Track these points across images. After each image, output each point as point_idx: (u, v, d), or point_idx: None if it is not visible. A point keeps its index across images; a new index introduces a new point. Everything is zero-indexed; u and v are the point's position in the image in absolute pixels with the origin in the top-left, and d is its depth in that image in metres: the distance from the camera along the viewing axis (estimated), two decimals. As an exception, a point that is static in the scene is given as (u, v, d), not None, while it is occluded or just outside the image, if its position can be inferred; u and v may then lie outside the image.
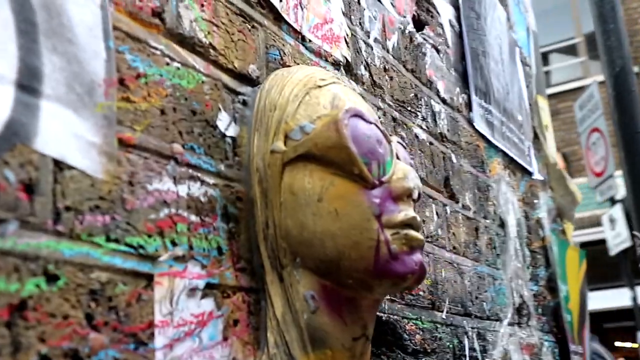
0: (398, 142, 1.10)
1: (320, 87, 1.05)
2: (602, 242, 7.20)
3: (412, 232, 0.99)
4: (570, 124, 9.78)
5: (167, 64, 0.91)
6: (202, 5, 1.00)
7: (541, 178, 2.60)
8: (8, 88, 0.69)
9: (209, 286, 0.91)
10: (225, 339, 0.92)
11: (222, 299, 0.93)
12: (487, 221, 1.95)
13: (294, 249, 0.98)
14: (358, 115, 1.00)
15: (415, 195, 1.02)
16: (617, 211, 6.55)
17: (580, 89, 9.22)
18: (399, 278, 0.98)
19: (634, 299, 6.57)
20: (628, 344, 9.39)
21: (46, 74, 0.74)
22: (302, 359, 0.97)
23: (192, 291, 0.88)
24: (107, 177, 0.79)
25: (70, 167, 0.74)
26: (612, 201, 6.73)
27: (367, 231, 0.96)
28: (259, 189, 1.00)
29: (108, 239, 0.77)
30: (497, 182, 2.08)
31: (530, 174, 2.47)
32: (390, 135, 1.17)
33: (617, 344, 9.65)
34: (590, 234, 8.87)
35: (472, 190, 1.89)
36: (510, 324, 1.97)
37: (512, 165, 2.29)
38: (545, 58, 11.00)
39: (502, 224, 2.07)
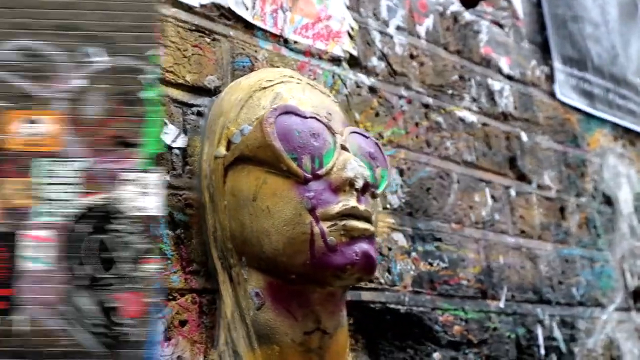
0: (355, 132, 1.08)
1: (264, 88, 1.07)
2: None
3: (352, 222, 0.97)
4: None
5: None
6: (145, 29, 1.07)
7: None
8: None
9: (147, 290, 0.97)
10: (167, 339, 0.98)
11: (164, 302, 0.99)
12: (582, 199, 1.79)
13: (239, 249, 1.01)
14: (290, 112, 1.01)
15: (359, 184, 0.99)
16: None
17: None
18: (338, 269, 0.97)
19: None
20: None
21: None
22: (248, 355, 0.99)
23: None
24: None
25: None
26: None
27: (300, 225, 0.97)
28: (207, 194, 1.05)
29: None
30: (600, 155, 1.91)
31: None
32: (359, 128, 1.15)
33: None
34: None
35: (557, 168, 1.75)
36: (620, 310, 1.79)
37: (628, 135, 2.07)
38: None
39: (609, 201, 1.89)
